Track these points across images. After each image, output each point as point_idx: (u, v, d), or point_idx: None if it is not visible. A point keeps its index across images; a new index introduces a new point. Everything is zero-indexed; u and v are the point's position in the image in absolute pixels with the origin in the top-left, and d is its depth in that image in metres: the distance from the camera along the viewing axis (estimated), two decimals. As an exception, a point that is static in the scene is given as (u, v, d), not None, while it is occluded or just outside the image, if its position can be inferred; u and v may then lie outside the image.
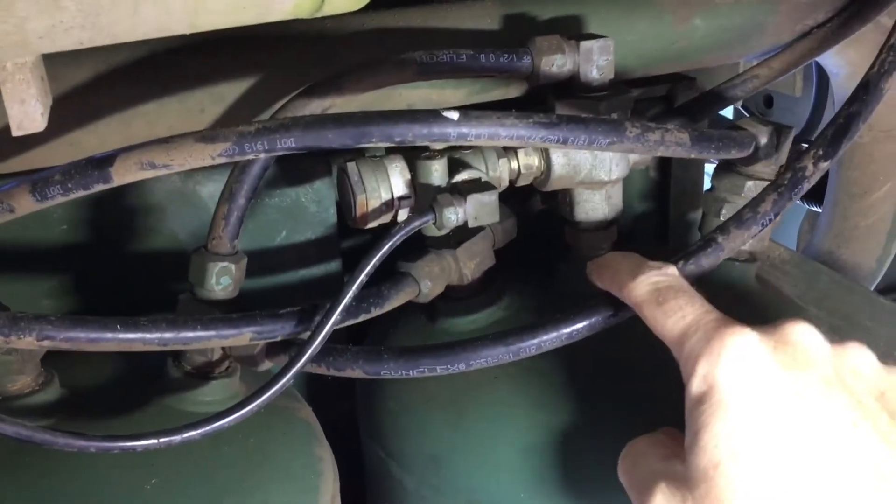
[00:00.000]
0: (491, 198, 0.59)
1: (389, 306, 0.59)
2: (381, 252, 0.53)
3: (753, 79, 0.75)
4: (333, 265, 0.79)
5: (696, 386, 0.45)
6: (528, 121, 0.50)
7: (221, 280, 0.59)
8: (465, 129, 0.49)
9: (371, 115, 0.48)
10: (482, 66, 0.63)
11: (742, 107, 1.33)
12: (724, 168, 0.68)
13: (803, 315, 0.71)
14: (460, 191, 0.59)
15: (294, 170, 0.75)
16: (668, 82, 0.85)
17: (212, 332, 0.52)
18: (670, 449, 0.47)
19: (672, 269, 0.51)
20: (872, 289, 1.11)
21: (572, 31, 0.70)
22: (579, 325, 0.53)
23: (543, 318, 0.53)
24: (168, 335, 0.51)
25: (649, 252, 0.56)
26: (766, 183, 0.65)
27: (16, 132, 0.42)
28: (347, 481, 0.67)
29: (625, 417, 0.59)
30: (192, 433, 0.50)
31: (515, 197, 0.75)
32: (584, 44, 0.64)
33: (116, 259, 0.72)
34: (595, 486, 0.58)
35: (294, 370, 0.52)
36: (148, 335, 0.50)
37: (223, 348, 0.61)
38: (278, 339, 0.55)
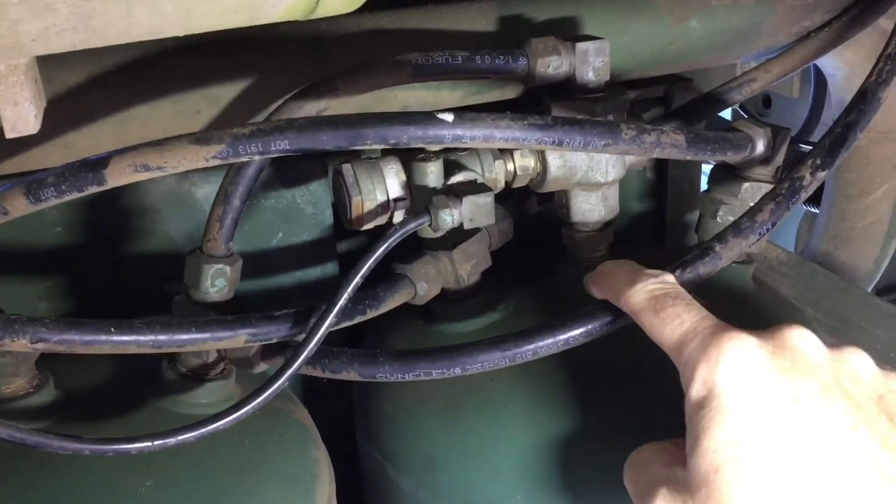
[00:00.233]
0: (487, 199, 0.59)
1: (385, 308, 0.59)
2: (377, 254, 0.53)
3: (751, 82, 0.75)
4: (329, 267, 0.78)
5: (695, 391, 0.46)
6: (524, 122, 0.50)
7: (216, 282, 0.59)
8: (460, 131, 0.49)
9: (366, 117, 0.48)
10: (478, 68, 0.63)
11: (740, 108, 1.33)
12: (720, 170, 0.68)
13: (800, 316, 0.71)
14: (456, 192, 0.59)
15: (290, 171, 0.75)
16: (664, 84, 0.85)
17: (207, 335, 0.52)
18: (674, 456, 0.47)
19: (669, 277, 0.52)
20: (870, 290, 1.11)
21: (568, 32, 0.70)
22: (576, 332, 0.53)
23: (540, 324, 0.53)
24: (162, 337, 0.51)
25: (647, 256, 0.56)
26: (763, 184, 0.66)
27: (9, 134, 0.42)
28: (344, 483, 0.67)
29: (622, 420, 0.59)
30: (188, 435, 0.50)
31: (511, 198, 0.75)
32: (580, 45, 0.64)
33: (111, 261, 0.72)
34: (591, 488, 0.58)
35: (289, 372, 0.52)
36: (142, 337, 0.50)
37: (218, 350, 0.61)
38: (274, 341, 0.55)
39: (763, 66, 0.76)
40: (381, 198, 0.62)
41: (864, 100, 0.57)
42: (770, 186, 0.64)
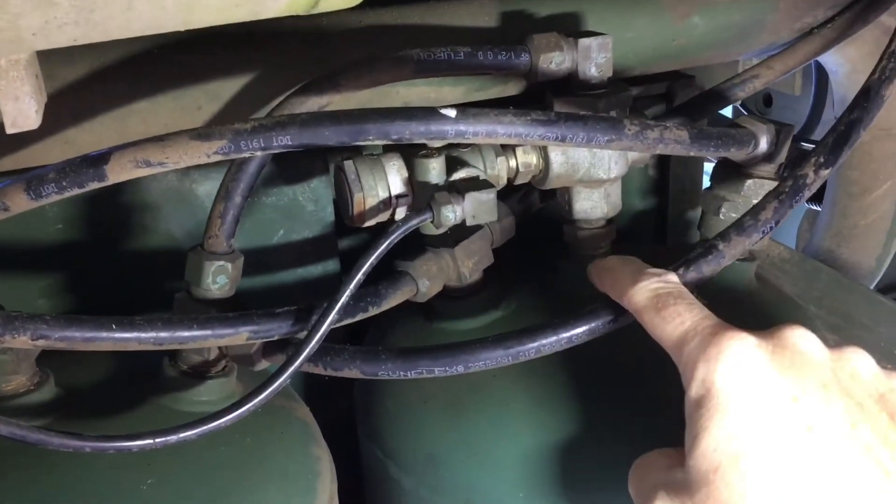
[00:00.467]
0: (489, 196, 0.59)
1: (387, 305, 0.59)
2: (379, 251, 0.53)
3: (753, 79, 0.75)
4: (331, 264, 0.78)
5: (695, 390, 0.46)
6: (527, 118, 0.50)
7: (218, 279, 0.58)
8: (462, 127, 0.48)
9: (368, 113, 0.47)
10: (480, 64, 0.63)
11: (741, 105, 1.33)
12: (723, 166, 0.68)
13: (803, 314, 0.71)
14: (458, 189, 0.59)
15: (291, 168, 0.74)
16: (667, 80, 0.85)
17: (208, 332, 0.52)
18: (675, 460, 0.47)
19: (672, 276, 0.52)
20: (872, 287, 1.11)
21: (570, 28, 0.69)
22: (579, 330, 0.53)
23: (543, 322, 0.53)
24: (164, 334, 0.51)
25: (649, 253, 0.56)
26: (766, 181, 0.65)
27: (10, 130, 0.42)
28: (345, 481, 0.66)
29: (624, 418, 0.58)
30: (189, 433, 0.50)
31: (514, 195, 0.74)
32: (583, 41, 0.64)
33: (112, 258, 0.72)
34: (593, 486, 0.57)
35: (291, 370, 0.51)
36: (143, 334, 0.50)
37: (220, 348, 0.61)
38: (275, 338, 0.55)
39: (765, 63, 0.76)
40: (382, 194, 0.62)
41: (868, 97, 0.57)
42: (773, 183, 0.63)
